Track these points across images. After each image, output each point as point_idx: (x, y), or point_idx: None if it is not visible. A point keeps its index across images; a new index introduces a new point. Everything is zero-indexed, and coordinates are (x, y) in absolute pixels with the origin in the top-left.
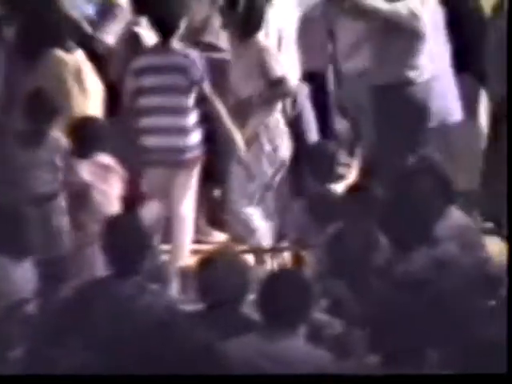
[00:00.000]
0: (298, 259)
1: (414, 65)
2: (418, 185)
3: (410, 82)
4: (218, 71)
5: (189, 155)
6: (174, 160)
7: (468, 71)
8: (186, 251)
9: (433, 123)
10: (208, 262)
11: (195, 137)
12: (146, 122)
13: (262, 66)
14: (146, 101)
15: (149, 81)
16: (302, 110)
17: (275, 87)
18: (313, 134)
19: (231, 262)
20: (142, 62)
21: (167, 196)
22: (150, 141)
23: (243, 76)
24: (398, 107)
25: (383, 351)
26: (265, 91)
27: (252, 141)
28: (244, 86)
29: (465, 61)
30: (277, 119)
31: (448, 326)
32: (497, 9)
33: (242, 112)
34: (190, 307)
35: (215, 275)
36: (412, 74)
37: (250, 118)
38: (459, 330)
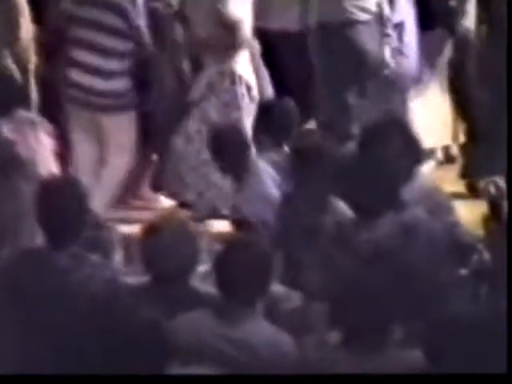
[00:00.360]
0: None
1: (362, 6)
2: (382, 142)
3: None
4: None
5: (111, 101)
6: (96, 103)
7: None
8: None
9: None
10: (153, 230)
11: (121, 83)
12: (75, 54)
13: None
14: (76, 32)
15: (82, 11)
16: (257, 67)
17: (229, 32)
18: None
19: (178, 229)
20: None
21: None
22: (75, 75)
23: (201, 18)
24: (341, 49)
25: (344, 327)
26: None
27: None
28: (202, 28)
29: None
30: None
31: (415, 300)
32: None
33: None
34: (134, 280)
35: (161, 244)
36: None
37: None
38: (427, 304)
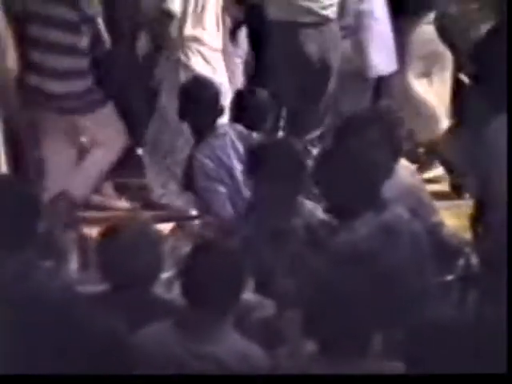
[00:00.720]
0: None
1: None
2: (359, 135)
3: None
4: None
5: (75, 103)
6: (60, 106)
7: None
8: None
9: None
10: (112, 233)
11: (81, 83)
12: (33, 56)
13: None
14: (33, 30)
15: (36, 7)
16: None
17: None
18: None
19: (139, 232)
20: None
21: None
22: (34, 79)
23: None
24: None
25: (320, 336)
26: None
27: None
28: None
29: None
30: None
31: (396, 306)
32: None
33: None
34: (92, 288)
35: (120, 249)
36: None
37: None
38: (409, 311)
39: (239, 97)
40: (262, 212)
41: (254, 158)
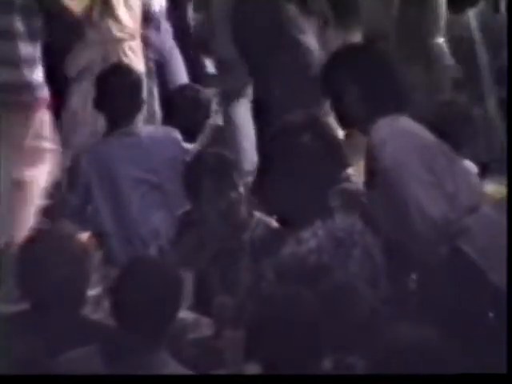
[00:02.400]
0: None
1: None
2: (296, 141)
3: None
4: None
5: (29, 96)
6: (11, 100)
7: None
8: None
9: None
10: (30, 248)
11: (38, 72)
12: None
13: None
14: None
15: None
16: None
17: None
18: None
19: (61, 246)
20: None
21: None
22: None
23: None
24: None
25: (263, 358)
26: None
27: None
28: None
29: None
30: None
31: (347, 326)
32: None
33: None
34: (9, 308)
35: (39, 264)
36: None
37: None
38: (362, 331)
39: (174, 94)
40: (202, 225)
41: (189, 171)
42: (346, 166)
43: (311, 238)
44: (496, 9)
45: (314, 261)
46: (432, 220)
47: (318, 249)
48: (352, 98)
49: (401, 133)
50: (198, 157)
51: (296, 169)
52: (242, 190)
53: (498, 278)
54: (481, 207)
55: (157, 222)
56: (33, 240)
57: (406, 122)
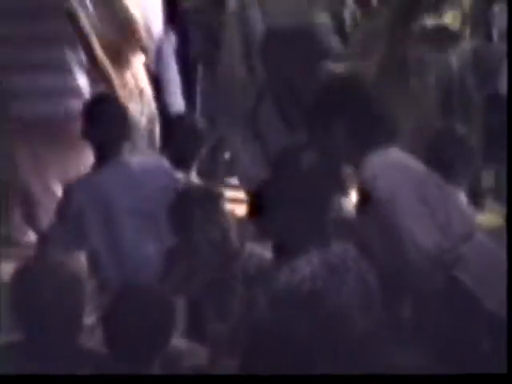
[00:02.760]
0: None
1: None
2: (297, 167)
3: None
4: None
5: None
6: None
7: None
8: None
9: None
10: (23, 275)
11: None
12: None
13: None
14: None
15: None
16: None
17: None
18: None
19: (55, 273)
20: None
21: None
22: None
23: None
24: None
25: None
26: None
27: None
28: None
29: None
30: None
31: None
32: None
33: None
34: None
35: (33, 292)
36: None
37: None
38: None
39: (170, 123)
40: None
41: (177, 203)
42: (345, 192)
43: (306, 265)
44: (489, 38)
45: (307, 288)
46: (426, 250)
47: (312, 276)
48: (339, 131)
49: (391, 167)
50: (186, 190)
51: (295, 194)
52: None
53: (494, 305)
54: (475, 235)
55: (150, 251)
56: (25, 269)
57: (395, 155)
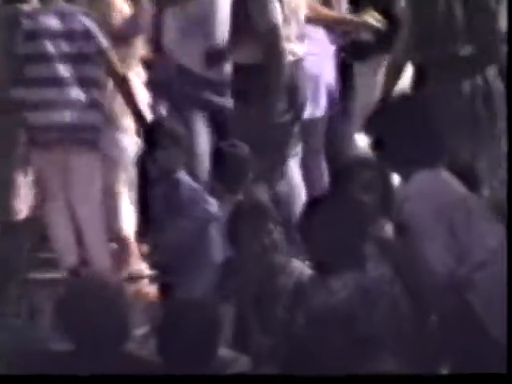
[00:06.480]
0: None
1: None
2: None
3: None
4: None
5: (92, 135)
6: (75, 138)
7: None
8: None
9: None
10: (69, 295)
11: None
12: (37, 94)
13: None
14: (40, 69)
15: (44, 46)
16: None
17: None
18: None
19: (97, 292)
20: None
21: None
22: (41, 117)
23: None
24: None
25: None
26: None
27: None
28: None
29: None
30: None
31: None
32: None
33: None
34: (61, 346)
35: (86, 310)
36: None
37: None
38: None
39: (218, 151)
40: (242, 269)
41: (230, 218)
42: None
43: (342, 288)
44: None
45: (343, 311)
46: (439, 276)
47: (348, 300)
48: (392, 145)
49: (426, 192)
50: (239, 205)
51: (338, 218)
52: (276, 236)
53: (498, 333)
54: (490, 263)
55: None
56: (80, 285)
57: (437, 179)
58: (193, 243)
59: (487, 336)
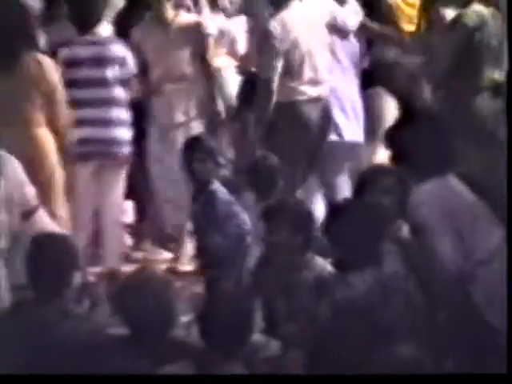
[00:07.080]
0: None
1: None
2: (375, 189)
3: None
4: None
5: (119, 149)
6: (106, 152)
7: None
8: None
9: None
10: (124, 286)
11: (126, 132)
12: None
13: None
14: (77, 93)
15: (81, 72)
16: None
17: None
18: None
19: (148, 284)
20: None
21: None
22: (80, 132)
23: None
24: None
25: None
26: None
27: None
28: None
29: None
30: None
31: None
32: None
33: None
34: (120, 331)
35: (132, 300)
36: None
37: None
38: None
39: (252, 162)
40: (273, 264)
41: (268, 215)
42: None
43: (361, 283)
44: None
45: (362, 303)
46: (448, 272)
47: (366, 294)
48: (409, 157)
49: (437, 198)
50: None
51: (359, 218)
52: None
53: (498, 322)
54: (492, 261)
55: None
56: (126, 279)
57: (447, 186)
58: (230, 253)
59: (488, 328)
